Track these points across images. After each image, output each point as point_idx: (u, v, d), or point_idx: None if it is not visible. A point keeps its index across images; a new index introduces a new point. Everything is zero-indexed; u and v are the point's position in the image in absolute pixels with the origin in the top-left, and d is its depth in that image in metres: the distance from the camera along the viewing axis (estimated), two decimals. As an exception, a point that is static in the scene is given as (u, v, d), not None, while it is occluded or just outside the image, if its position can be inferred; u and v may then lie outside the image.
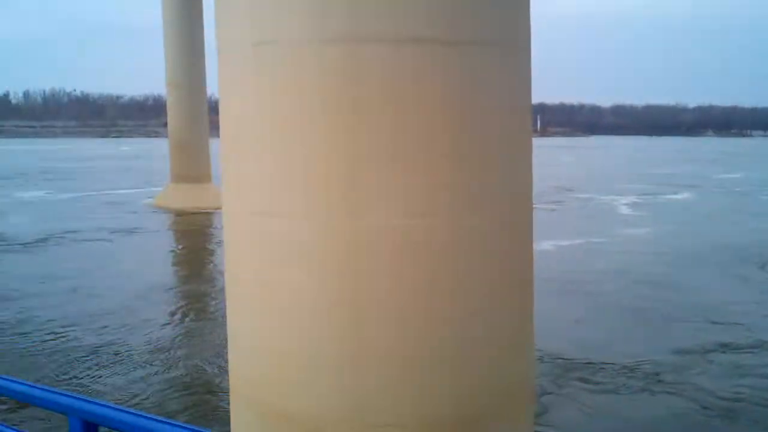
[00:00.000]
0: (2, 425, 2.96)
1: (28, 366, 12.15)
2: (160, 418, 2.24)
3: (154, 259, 23.17)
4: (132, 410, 2.38)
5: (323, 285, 4.75)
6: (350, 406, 4.49)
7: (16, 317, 15.29)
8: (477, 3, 4.47)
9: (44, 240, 26.12)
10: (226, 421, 8.61)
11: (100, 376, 11.71)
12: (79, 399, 2.56)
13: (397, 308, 4.65)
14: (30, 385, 2.79)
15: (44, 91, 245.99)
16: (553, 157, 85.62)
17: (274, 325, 4.86)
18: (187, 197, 35.41)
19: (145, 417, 2.25)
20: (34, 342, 13.54)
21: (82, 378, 11.64)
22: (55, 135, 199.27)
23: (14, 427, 2.95)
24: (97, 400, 2.54)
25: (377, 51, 4.54)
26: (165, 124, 40.36)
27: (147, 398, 10.69)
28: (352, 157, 4.52)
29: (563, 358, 12.32)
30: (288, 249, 4.79)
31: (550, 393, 10.82)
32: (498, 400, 4.85)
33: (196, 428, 2.02)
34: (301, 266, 4.86)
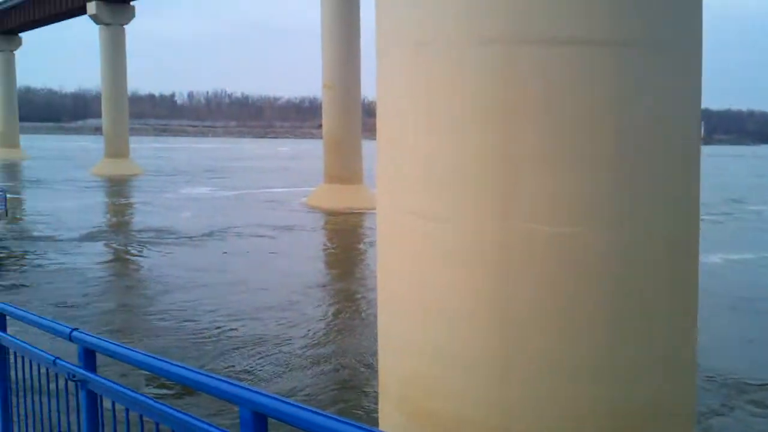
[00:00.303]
0: (169, 407, 3.08)
1: (196, 354, 12.71)
2: (333, 415, 2.26)
3: (310, 257, 23.83)
4: (304, 405, 2.42)
5: (472, 287, 4.71)
6: (496, 412, 4.43)
7: (186, 307, 16.18)
8: (643, 3, 4.29)
9: (209, 234, 27.36)
10: (367, 421, 8.69)
11: (262, 366, 12.13)
12: (250, 390, 2.63)
13: (545, 315, 4.53)
14: (201, 373, 2.91)
15: (207, 93, 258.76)
16: (719, 166, 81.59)
17: (423, 325, 4.87)
18: (339, 198, 36.14)
19: (319, 413, 2.28)
20: (201, 331, 14.24)
21: (243, 367, 12.11)
22: (216, 134, 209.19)
23: (180, 410, 3.05)
24: (268, 392, 2.59)
25: (534, 52, 4.44)
26: (319, 126, 41.43)
27: (302, 390, 10.97)
28: (505, 161, 4.45)
29: (734, 379, 11.64)
30: (439, 250, 4.78)
31: (720, 414, 10.24)
32: (655, 419, 4.64)
33: (368, 428, 2.01)
34: (451, 267, 4.84)
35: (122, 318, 15.51)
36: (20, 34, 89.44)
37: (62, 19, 78.39)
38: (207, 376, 2.90)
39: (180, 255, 23.17)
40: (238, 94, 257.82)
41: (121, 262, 22.99)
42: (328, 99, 39.11)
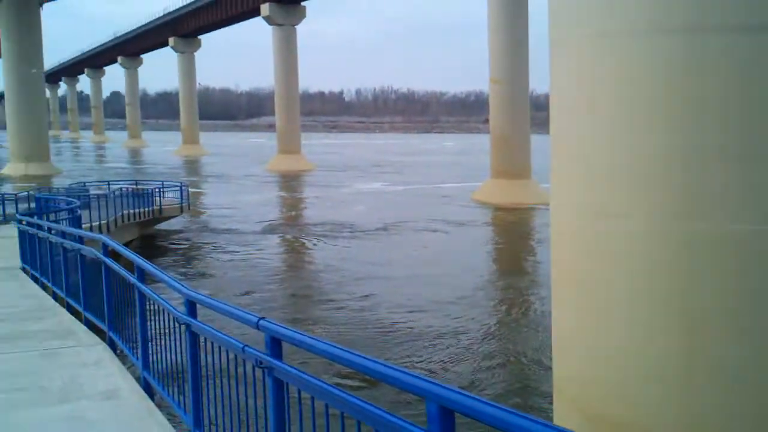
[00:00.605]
0: (358, 399, 3.13)
1: (376, 344, 13.00)
2: (523, 414, 2.23)
3: (481, 252, 23.90)
4: (493, 402, 2.41)
5: (653, 288, 4.52)
6: (680, 421, 4.22)
7: (366, 299, 16.55)
8: None
9: (383, 228, 27.94)
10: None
11: (442, 360, 12.28)
12: (438, 385, 2.63)
13: (734, 319, 4.27)
14: (387, 365, 2.95)
15: (374, 89, 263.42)
16: None
17: (600, 325, 4.73)
18: (507, 193, 35.77)
19: (510, 411, 2.25)
20: (378, 322, 14.53)
21: (423, 359, 12.29)
22: (382, 130, 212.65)
23: (371, 402, 3.11)
24: (456, 388, 2.59)
25: (724, 40, 4.20)
26: (485, 121, 41.19)
27: (478, 385, 10.99)
28: (690, 156, 4.22)
29: None
30: (617, 249, 4.62)
31: None
32: None
33: (560, 428, 1.96)
34: (628, 267, 4.68)
35: (302, 308, 16.14)
36: (199, 37, 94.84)
37: (237, 21, 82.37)
38: (393, 368, 2.93)
39: (355, 248, 23.76)
40: (404, 90, 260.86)
41: (298, 254, 23.89)
42: (495, 93, 38.79)
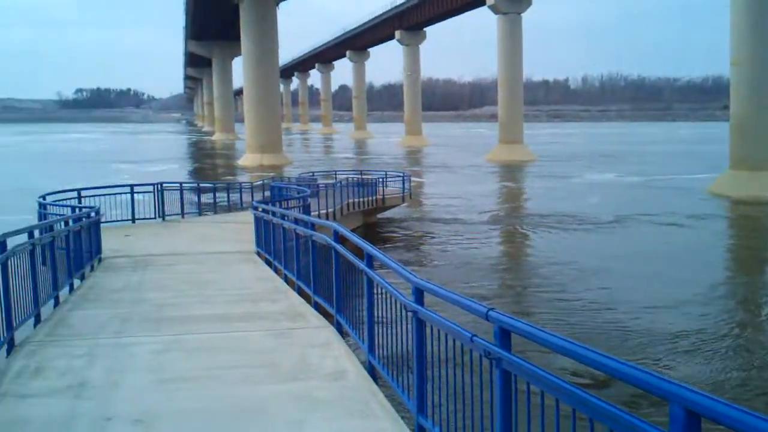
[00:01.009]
0: (595, 396, 2.93)
1: (611, 342, 12.49)
2: None
3: (721, 249, 22.56)
4: (748, 409, 2.13)
5: None
6: None
7: (600, 294, 15.90)
8: None
9: (618, 221, 26.84)
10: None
11: (678, 362, 11.63)
12: (684, 387, 2.42)
13: None
14: (628, 364, 2.74)
15: (601, 76, 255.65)
16: None
17: None
18: (748, 186, 32.98)
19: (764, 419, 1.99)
20: (617, 319, 13.90)
21: (661, 359, 11.68)
22: (609, 119, 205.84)
23: (609, 402, 2.89)
24: (703, 392, 2.35)
25: None
26: (725, 107, 38.44)
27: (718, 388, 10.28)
28: None
29: None
30: None
31: None
32: None
33: None
34: None
35: (530, 301, 15.84)
36: (424, 29, 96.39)
37: (463, 12, 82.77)
38: (634, 368, 2.70)
39: (589, 241, 23.09)
40: (634, 77, 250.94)
41: (526, 245, 23.51)
42: (736, 77, 35.79)
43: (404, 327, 5.66)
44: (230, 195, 23.92)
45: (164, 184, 20.45)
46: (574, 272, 18.08)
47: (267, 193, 22.68)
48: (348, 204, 22.98)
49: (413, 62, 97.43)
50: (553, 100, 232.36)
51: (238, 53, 71.54)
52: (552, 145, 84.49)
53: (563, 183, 42.16)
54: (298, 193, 17.58)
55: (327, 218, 17.70)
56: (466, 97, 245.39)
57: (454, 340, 4.55)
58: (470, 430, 4.43)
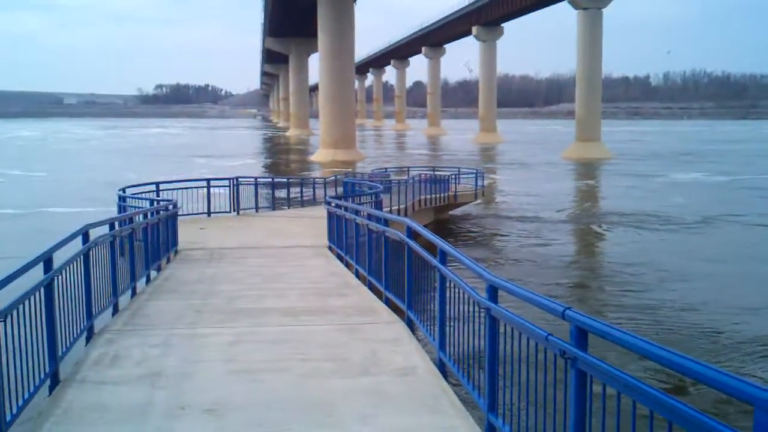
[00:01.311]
0: (675, 399, 2.81)
1: (697, 346, 12.13)
2: None
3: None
4: None
5: None
6: None
7: (687, 296, 15.45)
8: None
9: (705, 222, 26.09)
10: None
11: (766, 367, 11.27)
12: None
13: None
14: (712, 368, 2.61)
15: (684, 73, 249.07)
16: None
17: None
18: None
19: None
20: (704, 323, 13.49)
21: (745, 364, 11.34)
22: (690, 116, 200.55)
23: (692, 406, 2.77)
24: None
25: None
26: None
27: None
28: None
29: None
30: None
31: None
32: None
33: None
34: None
35: (613, 302, 15.37)
36: (501, 25, 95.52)
37: (542, 7, 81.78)
38: (717, 370, 2.58)
39: (674, 242, 22.47)
40: (718, 73, 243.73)
41: (606, 245, 23.03)
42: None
43: (475, 325, 5.60)
44: (303, 190, 24.14)
45: (240, 179, 20.76)
46: (660, 273, 17.60)
47: (340, 189, 22.81)
48: (420, 200, 22.93)
49: (489, 58, 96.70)
50: (633, 97, 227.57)
51: (314, 50, 72.10)
52: (629, 143, 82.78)
53: (645, 182, 41.11)
54: (371, 189, 17.62)
55: (398, 214, 17.69)
56: (542, 94, 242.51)
57: (528, 339, 4.45)
58: (542, 430, 4.34)
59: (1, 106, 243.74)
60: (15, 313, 5.29)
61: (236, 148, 78.14)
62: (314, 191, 24.14)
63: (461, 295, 5.98)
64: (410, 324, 8.04)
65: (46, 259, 6.37)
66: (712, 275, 17.40)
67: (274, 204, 22.56)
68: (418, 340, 7.54)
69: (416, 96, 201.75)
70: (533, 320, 4.48)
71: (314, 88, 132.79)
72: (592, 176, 46.59)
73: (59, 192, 36.40)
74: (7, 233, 23.57)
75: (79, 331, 7.35)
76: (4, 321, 5.01)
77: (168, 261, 13.16)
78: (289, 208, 23.02)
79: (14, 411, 5.23)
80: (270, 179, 26.88)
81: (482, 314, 5.30)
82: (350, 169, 43.25)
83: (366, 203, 15.42)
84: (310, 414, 5.50)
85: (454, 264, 6.40)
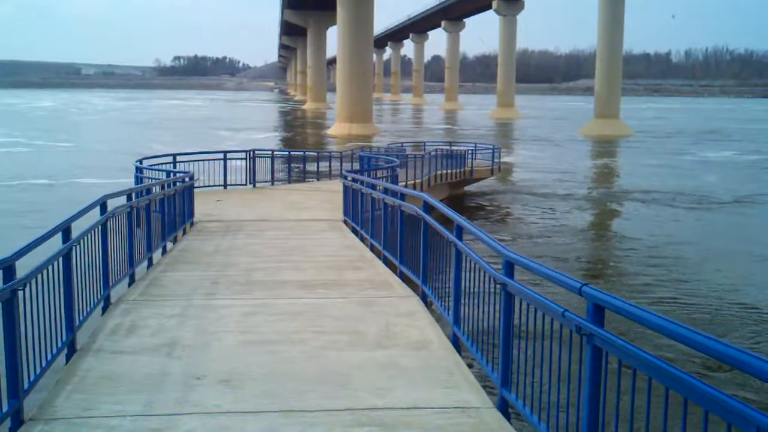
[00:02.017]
0: (690, 375, 2.78)
1: (731, 326, 12.03)
2: None
3: None
4: None
5: None
6: None
7: (721, 276, 15.26)
8: None
9: (739, 201, 25.86)
10: None
11: None
12: None
13: None
14: (733, 347, 2.58)
15: (706, 50, 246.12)
16: None
17: None
18: None
19: None
20: (737, 303, 13.33)
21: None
22: (712, 94, 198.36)
23: (705, 382, 2.75)
24: None
25: None
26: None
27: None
28: None
29: None
30: None
31: None
32: None
33: None
34: None
35: (641, 280, 15.12)
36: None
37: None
38: (738, 349, 2.55)
39: (707, 222, 22.27)
40: (741, 50, 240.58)
41: (630, 223, 22.72)
42: None
43: (490, 300, 5.58)
44: (319, 164, 24.10)
45: (256, 151, 20.74)
46: (694, 252, 17.47)
47: (356, 163, 22.76)
48: (435, 175, 22.85)
49: (509, 33, 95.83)
50: (653, 74, 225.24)
51: (333, 23, 71.68)
52: (649, 120, 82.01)
53: (677, 159, 40.64)
54: (387, 164, 17.56)
55: (414, 189, 17.64)
56: (561, 70, 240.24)
57: (543, 315, 4.44)
58: (555, 405, 4.33)
59: (19, 77, 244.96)
60: (33, 281, 5.32)
61: (256, 122, 78.01)
62: (330, 165, 24.10)
63: (476, 270, 5.95)
64: (425, 298, 8.04)
65: (65, 229, 6.40)
66: (750, 254, 17.28)
67: (290, 177, 22.55)
68: (433, 315, 7.54)
69: (434, 70, 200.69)
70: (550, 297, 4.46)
71: (332, 61, 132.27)
72: (612, 153, 46.27)
73: (88, 163, 36.63)
74: (41, 202, 23.71)
75: (95, 300, 7.40)
76: (23, 289, 5.04)
77: (184, 233, 13.21)
78: (305, 181, 23.03)
79: (32, 378, 5.28)
80: (286, 153, 26.83)
81: (498, 289, 5.28)
82: (364, 143, 43.06)
83: (382, 177, 15.38)
84: (325, 386, 5.52)
85: (469, 239, 6.37)
